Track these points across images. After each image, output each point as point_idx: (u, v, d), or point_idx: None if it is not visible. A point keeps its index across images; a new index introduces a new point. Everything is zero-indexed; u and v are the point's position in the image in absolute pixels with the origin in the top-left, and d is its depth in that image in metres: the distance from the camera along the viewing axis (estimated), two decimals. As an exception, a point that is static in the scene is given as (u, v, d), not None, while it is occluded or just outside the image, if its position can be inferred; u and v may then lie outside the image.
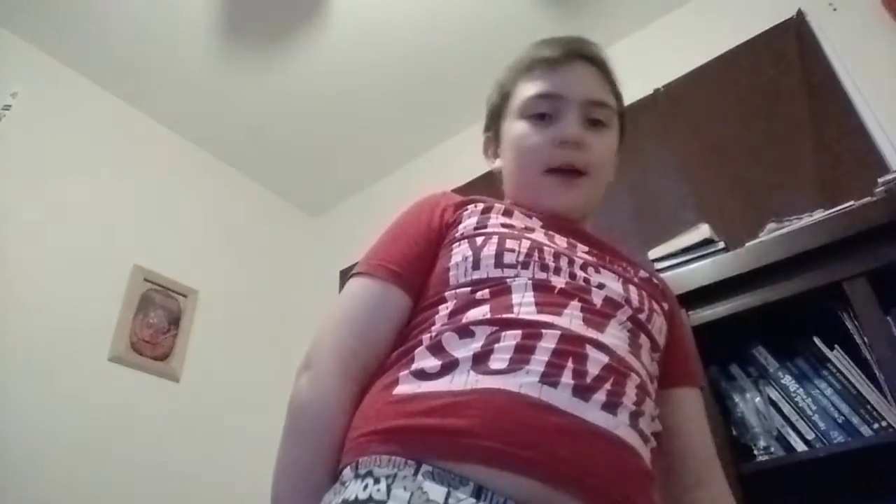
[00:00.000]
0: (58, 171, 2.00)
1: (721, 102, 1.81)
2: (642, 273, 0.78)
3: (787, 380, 1.16)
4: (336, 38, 2.15)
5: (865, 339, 1.06)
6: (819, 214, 1.19)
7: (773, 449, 1.13)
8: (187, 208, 2.38)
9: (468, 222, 0.73)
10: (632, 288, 0.71)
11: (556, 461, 0.51)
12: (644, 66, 1.98)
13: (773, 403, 1.16)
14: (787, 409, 1.14)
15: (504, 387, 0.54)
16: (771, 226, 1.25)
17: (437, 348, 0.61)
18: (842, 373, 1.11)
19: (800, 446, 1.10)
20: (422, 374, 0.59)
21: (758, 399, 1.17)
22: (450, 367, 0.58)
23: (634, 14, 2.12)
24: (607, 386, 0.57)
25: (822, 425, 1.10)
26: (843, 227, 1.10)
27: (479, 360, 0.57)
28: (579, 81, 0.79)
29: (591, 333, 0.61)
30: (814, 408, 1.12)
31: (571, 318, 0.61)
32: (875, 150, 1.46)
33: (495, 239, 0.69)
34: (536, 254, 0.68)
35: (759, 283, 1.16)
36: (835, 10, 1.70)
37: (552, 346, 0.58)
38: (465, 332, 0.61)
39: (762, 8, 1.84)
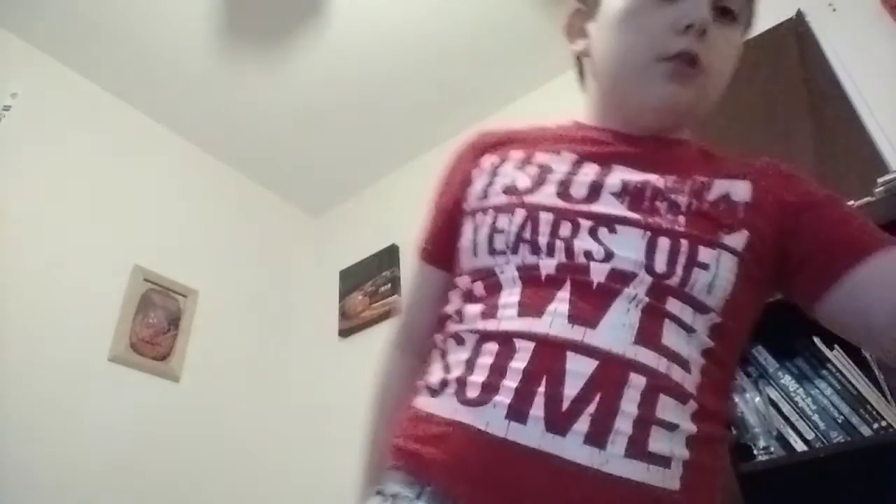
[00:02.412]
0: (57, 171, 2.00)
1: (721, 102, 1.81)
2: (716, 191, 0.60)
3: (787, 380, 1.16)
4: (336, 38, 2.15)
5: (865, 339, 1.06)
6: (819, 214, 1.19)
7: (772, 449, 1.13)
8: (187, 208, 2.38)
9: (476, 188, 0.68)
10: (662, 242, 0.55)
11: None
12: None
13: (773, 403, 1.16)
14: (786, 408, 1.14)
15: (473, 423, 0.51)
16: (771, 226, 1.25)
17: (442, 356, 0.61)
18: (841, 373, 1.11)
19: (800, 446, 1.10)
20: (429, 390, 0.58)
21: (758, 399, 1.17)
22: (442, 387, 0.57)
23: (634, 14, 2.12)
24: (590, 410, 0.48)
25: (821, 425, 1.10)
26: (842, 227, 1.10)
27: (461, 384, 0.55)
28: None
29: (575, 334, 0.52)
30: (813, 408, 1.12)
31: (553, 318, 0.53)
32: (875, 150, 1.46)
33: (490, 217, 0.63)
34: (529, 228, 0.59)
35: (759, 283, 1.15)
36: (835, 10, 1.70)
37: (523, 365, 0.51)
38: (459, 339, 0.59)
39: (762, 8, 1.83)
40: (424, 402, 0.58)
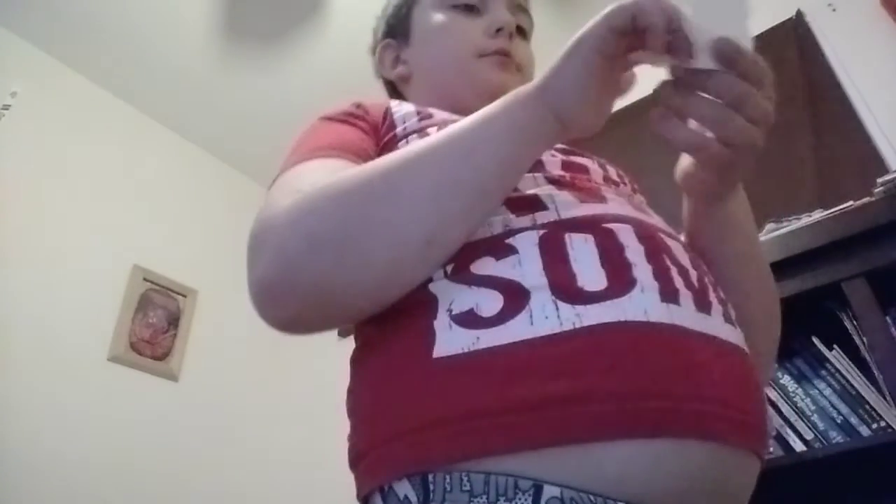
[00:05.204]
0: (57, 171, 2.00)
1: (720, 103, 1.81)
2: None
3: (786, 380, 1.16)
4: (336, 38, 2.15)
5: (864, 339, 1.06)
6: (818, 214, 1.19)
7: (771, 449, 1.12)
8: (187, 208, 2.38)
9: (406, 112, 0.59)
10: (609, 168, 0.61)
11: (730, 409, 0.37)
12: (644, 65, 1.98)
13: (772, 403, 1.16)
14: (785, 409, 1.14)
15: (625, 317, 0.37)
16: (770, 226, 1.24)
17: (472, 279, 0.41)
18: (840, 373, 1.10)
19: (798, 446, 1.10)
20: (473, 320, 0.38)
21: (757, 399, 1.17)
22: (518, 298, 0.38)
23: (634, 14, 2.12)
24: (711, 287, 0.44)
25: (820, 425, 1.09)
26: (842, 227, 1.10)
27: (560, 282, 0.38)
28: None
29: (646, 217, 0.47)
30: (812, 408, 1.12)
31: (618, 203, 0.47)
32: (874, 150, 1.46)
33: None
34: None
35: (758, 283, 1.15)
36: (834, 10, 1.70)
37: (638, 244, 0.42)
38: (501, 249, 0.41)
39: (761, 8, 1.84)
40: (464, 340, 0.38)
